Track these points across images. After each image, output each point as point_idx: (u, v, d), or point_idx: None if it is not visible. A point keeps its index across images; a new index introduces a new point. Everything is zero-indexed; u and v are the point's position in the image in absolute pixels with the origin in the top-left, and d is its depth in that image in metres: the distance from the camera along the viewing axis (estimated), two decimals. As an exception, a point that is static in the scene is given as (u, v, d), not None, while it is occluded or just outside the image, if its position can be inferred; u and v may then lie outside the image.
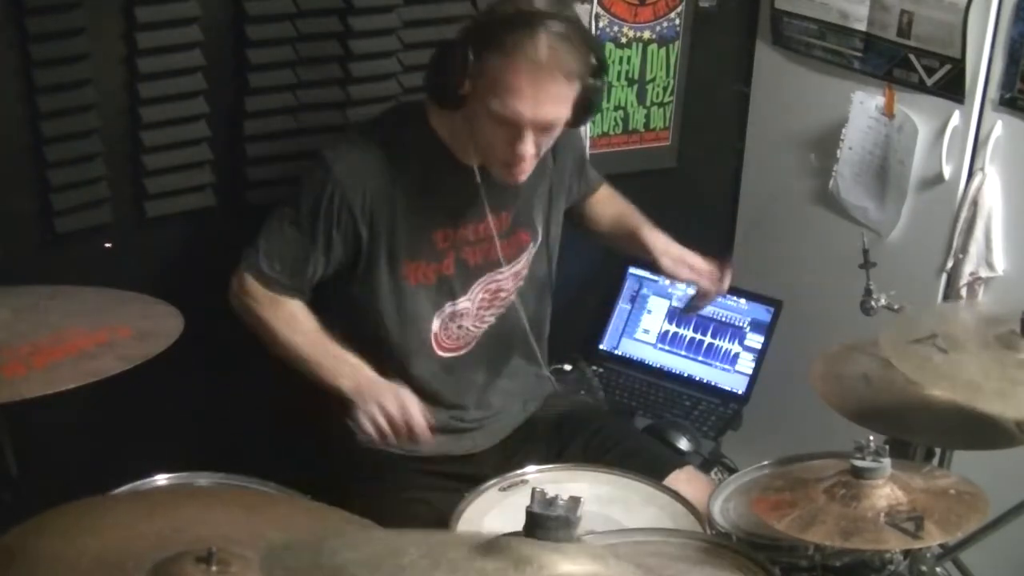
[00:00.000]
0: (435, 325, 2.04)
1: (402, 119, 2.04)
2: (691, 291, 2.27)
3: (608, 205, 2.34)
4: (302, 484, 1.79)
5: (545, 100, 1.82)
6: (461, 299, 2.05)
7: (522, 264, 2.12)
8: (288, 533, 1.32)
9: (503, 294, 2.10)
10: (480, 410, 2.15)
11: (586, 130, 2.60)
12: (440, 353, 2.07)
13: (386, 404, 1.84)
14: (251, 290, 1.96)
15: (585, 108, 1.91)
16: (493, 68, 1.82)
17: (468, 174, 1.98)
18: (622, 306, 2.79)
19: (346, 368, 1.90)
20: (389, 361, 2.03)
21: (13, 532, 1.32)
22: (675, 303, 2.72)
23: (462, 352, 2.10)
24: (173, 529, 1.33)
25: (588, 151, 2.35)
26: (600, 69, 1.91)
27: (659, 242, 2.23)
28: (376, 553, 1.02)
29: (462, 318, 2.06)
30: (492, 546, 1.03)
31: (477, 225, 2.03)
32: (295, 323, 1.95)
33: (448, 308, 2.04)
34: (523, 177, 1.92)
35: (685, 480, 2.01)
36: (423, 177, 1.97)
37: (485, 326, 2.11)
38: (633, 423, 2.47)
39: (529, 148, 1.85)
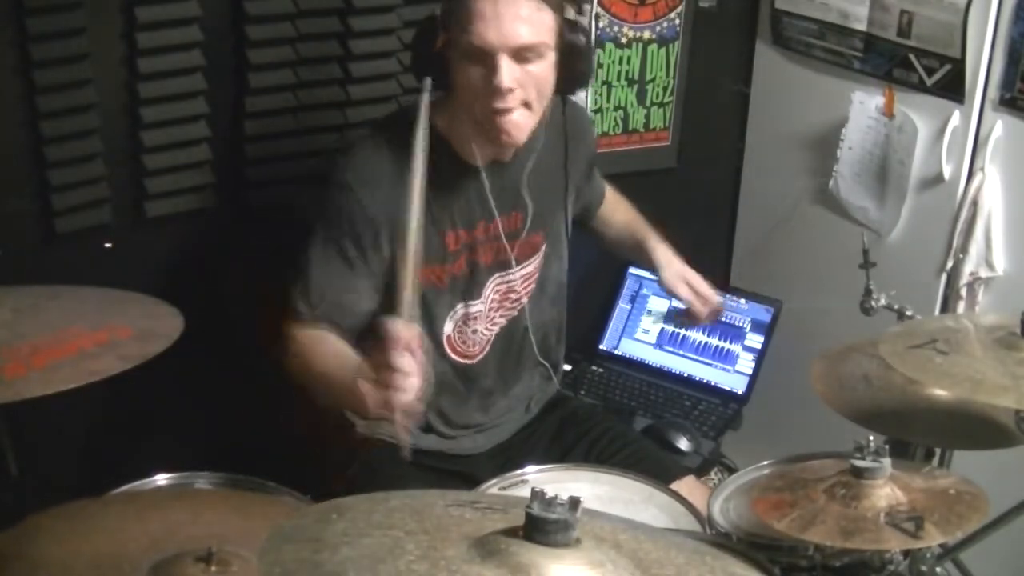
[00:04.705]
0: (448, 328, 2.03)
1: (406, 120, 2.03)
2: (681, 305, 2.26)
3: (617, 211, 2.34)
4: (302, 484, 1.79)
5: (510, 18, 1.78)
6: (474, 301, 2.04)
7: (534, 267, 2.11)
8: (272, 542, 1.32)
9: (514, 295, 2.09)
10: (485, 414, 2.14)
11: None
12: (453, 357, 2.06)
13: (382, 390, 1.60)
14: (296, 337, 1.88)
15: (572, 53, 1.88)
16: (458, 7, 1.81)
17: (474, 172, 1.97)
18: (622, 306, 2.79)
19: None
20: None
21: (5, 536, 1.31)
22: (676, 303, 2.72)
23: (476, 359, 2.08)
24: (166, 530, 1.33)
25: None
26: (577, 5, 1.89)
27: (664, 255, 2.23)
28: (374, 551, 1.02)
29: (475, 321, 2.05)
30: (490, 548, 1.03)
31: (488, 225, 2.01)
32: (327, 348, 1.85)
33: (461, 310, 2.03)
34: (517, 132, 1.86)
35: (686, 491, 1.99)
36: (431, 179, 1.95)
37: (496, 328, 2.09)
38: (634, 428, 2.46)
39: (505, 77, 1.79)
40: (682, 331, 2.70)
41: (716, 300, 2.21)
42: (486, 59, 1.80)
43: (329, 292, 1.90)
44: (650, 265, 2.26)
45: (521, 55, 1.81)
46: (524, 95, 1.84)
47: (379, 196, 1.89)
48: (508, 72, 1.80)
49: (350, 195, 1.89)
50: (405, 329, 1.59)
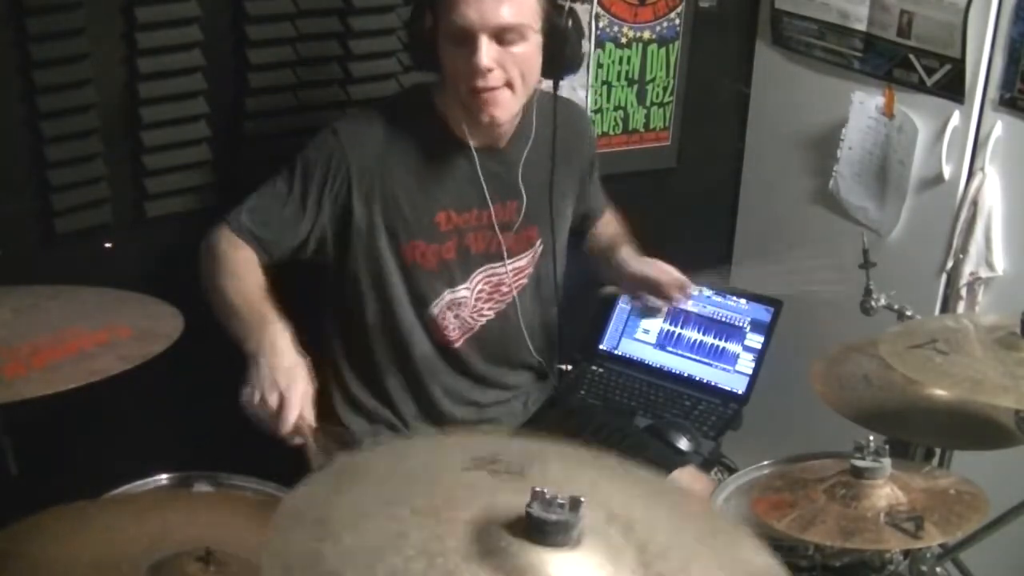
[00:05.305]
0: (433, 311, 2.04)
1: (409, 99, 2.06)
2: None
3: (608, 225, 2.36)
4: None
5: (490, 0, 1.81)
6: (460, 287, 2.05)
7: (526, 262, 2.12)
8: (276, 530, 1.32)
9: (504, 288, 2.10)
10: (478, 397, 2.15)
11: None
12: (434, 338, 2.07)
13: (268, 392, 1.70)
14: (219, 234, 1.93)
15: (558, 37, 1.90)
16: None
17: (467, 154, 1.98)
18: (622, 306, 2.78)
19: (258, 329, 1.77)
20: (389, 343, 2.04)
21: (4, 534, 1.31)
22: (675, 303, 2.72)
23: (457, 344, 2.09)
24: (163, 531, 1.33)
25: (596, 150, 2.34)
26: None
27: (628, 252, 2.26)
28: (375, 542, 1.02)
29: (460, 307, 2.06)
30: (491, 547, 1.03)
31: (481, 211, 2.03)
32: (239, 268, 1.89)
33: (447, 295, 2.04)
34: (499, 111, 1.89)
35: (687, 481, 2.02)
36: (426, 156, 1.98)
37: (483, 320, 2.10)
38: (634, 423, 2.47)
39: (484, 57, 1.82)
40: (653, 314, 2.63)
41: (682, 278, 2.23)
42: (468, 39, 1.83)
43: (269, 217, 1.93)
44: (615, 268, 2.27)
45: (502, 36, 1.84)
46: (506, 76, 1.86)
47: (361, 150, 1.94)
48: (488, 52, 1.83)
49: (334, 139, 1.94)
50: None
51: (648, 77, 2.74)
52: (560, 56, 1.92)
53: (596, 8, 2.60)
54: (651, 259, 2.26)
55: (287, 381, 1.70)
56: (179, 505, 1.51)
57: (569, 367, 2.59)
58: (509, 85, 1.87)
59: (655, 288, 2.24)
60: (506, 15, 1.82)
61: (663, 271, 2.23)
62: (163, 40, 2.08)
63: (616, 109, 2.73)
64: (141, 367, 1.60)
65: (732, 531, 1.20)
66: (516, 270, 2.10)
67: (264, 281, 1.89)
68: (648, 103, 2.77)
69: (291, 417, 1.68)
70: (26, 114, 2.00)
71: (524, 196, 2.05)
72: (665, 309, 2.37)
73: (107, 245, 2.16)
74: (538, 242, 2.12)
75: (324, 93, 2.28)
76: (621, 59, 2.69)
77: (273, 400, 1.69)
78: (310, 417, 1.70)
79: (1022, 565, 2.35)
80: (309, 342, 1.83)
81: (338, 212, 1.95)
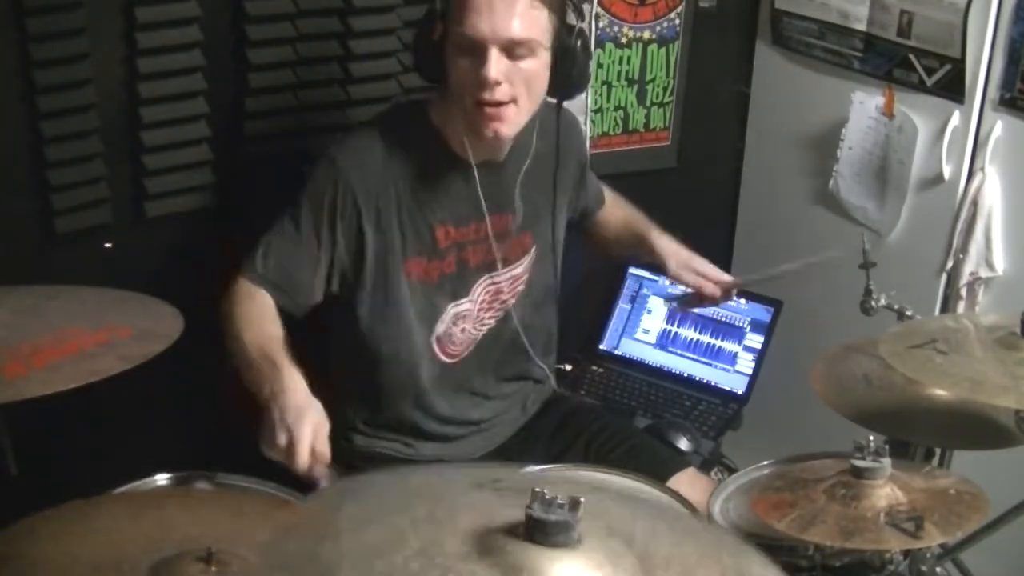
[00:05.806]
0: (439, 328, 2.03)
1: (403, 115, 2.04)
2: (688, 290, 2.28)
3: (616, 211, 2.35)
4: (301, 485, 1.78)
5: (502, 12, 1.80)
6: (463, 300, 2.04)
7: (522, 269, 2.11)
8: (275, 532, 1.32)
9: (502, 296, 2.09)
10: (478, 415, 2.14)
11: (586, 131, 2.61)
12: (442, 358, 2.06)
13: (278, 431, 1.65)
14: (236, 288, 1.90)
15: (567, 57, 1.89)
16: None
17: (466, 169, 1.97)
18: (622, 306, 2.78)
19: (270, 375, 1.73)
20: (396, 363, 2.02)
21: (3, 536, 1.31)
22: (674, 303, 2.72)
23: (461, 357, 2.08)
24: (161, 530, 1.33)
25: (588, 154, 2.34)
26: (578, 10, 1.90)
27: (668, 246, 2.26)
28: (374, 544, 1.02)
29: (464, 320, 2.05)
30: (489, 547, 1.03)
31: (478, 224, 2.02)
32: (254, 319, 1.85)
33: (451, 309, 2.03)
34: (503, 127, 1.87)
35: (687, 483, 2.01)
36: (424, 172, 1.97)
37: (484, 329, 2.10)
38: (634, 423, 2.47)
39: (492, 69, 1.81)
40: (686, 310, 2.61)
41: (726, 279, 2.23)
42: (477, 51, 1.82)
43: (284, 260, 1.91)
44: (654, 258, 2.27)
45: (512, 50, 1.82)
46: (512, 91, 1.85)
47: (362, 173, 1.92)
48: (497, 65, 1.82)
49: (334, 169, 1.92)
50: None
51: (648, 77, 2.74)
52: (567, 76, 1.92)
53: (596, 8, 2.60)
54: (690, 262, 2.24)
55: (295, 417, 1.65)
56: (179, 505, 1.51)
57: (569, 367, 2.60)
58: (515, 100, 1.86)
59: (701, 286, 2.23)
60: (517, 29, 1.81)
61: (703, 279, 2.22)
62: (163, 40, 2.08)
63: (616, 109, 2.73)
64: (141, 367, 1.60)
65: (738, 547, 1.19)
66: (513, 278, 2.10)
67: (280, 331, 1.85)
68: (648, 103, 2.77)
69: (303, 454, 1.63)
70: (26, 114, 2.00)
71: (521, 208, 2.04)
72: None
73: (107, 245, 2.16)
74: (532, 248, 2.12)
75: (324, 93, 2.28)
76: (621, 59, 2.69)
77: (283, 439, 1.65)
78: (325, 453, 1.66)
79: (1022, 565, 2.35)
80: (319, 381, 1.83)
81: (352, 241, 1.93)
